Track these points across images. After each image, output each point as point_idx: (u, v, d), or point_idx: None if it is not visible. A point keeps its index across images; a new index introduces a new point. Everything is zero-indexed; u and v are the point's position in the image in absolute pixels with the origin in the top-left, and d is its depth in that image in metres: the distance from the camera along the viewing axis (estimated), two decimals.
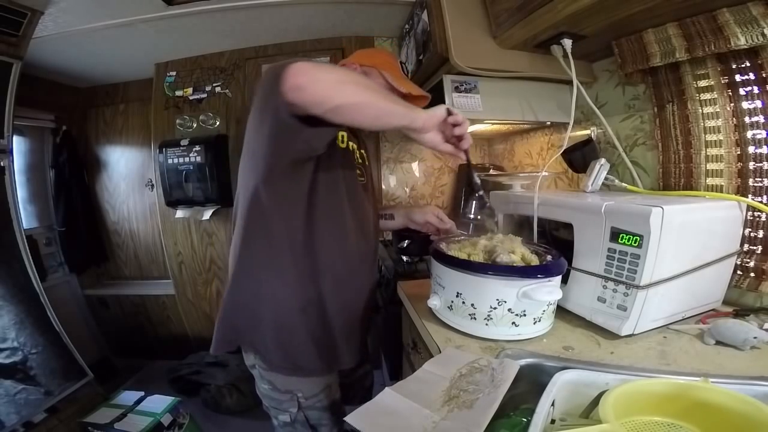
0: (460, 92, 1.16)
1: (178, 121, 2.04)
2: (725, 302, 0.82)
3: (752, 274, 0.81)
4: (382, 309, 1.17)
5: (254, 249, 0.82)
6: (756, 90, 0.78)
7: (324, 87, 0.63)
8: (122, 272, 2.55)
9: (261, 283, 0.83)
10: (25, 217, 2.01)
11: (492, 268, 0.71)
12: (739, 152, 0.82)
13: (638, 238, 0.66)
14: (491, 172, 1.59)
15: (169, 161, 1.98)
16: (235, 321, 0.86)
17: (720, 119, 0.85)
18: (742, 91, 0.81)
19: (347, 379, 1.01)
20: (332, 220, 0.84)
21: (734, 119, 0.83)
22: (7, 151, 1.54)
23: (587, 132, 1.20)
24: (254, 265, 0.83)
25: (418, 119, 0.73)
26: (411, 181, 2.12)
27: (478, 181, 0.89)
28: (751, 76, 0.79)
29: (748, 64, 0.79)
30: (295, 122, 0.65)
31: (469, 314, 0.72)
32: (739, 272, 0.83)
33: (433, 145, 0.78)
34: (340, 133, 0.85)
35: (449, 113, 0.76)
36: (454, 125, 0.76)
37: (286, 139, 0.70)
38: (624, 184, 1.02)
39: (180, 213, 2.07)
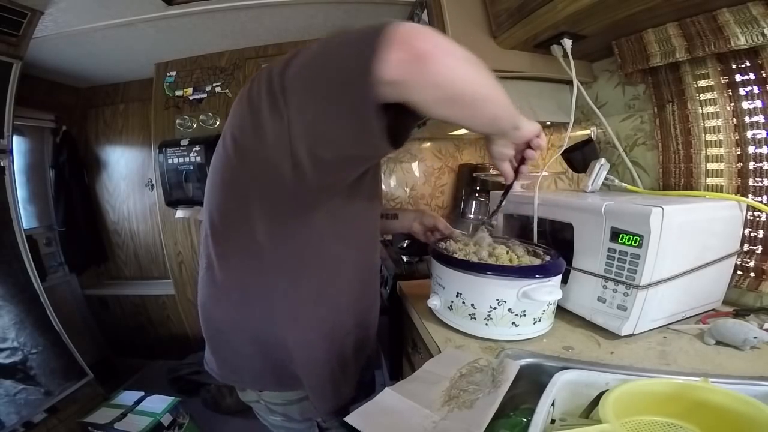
0: None
1: (178, 121, 2.04)
2: (725, 302, 0.82)
3: (752, 274, 0.81)
4: (389, 308, 1.15)
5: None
6: (756, 90, 0.78)
7: (452, 63, 0.45)
8: (122, 272, 2.55)
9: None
10: (25, 217, 2.00)
11: (492, 268, 0.71)
12: (739, 152, 0.82)
13: (638, 238, 0.66)
14: (491, 172, 1.59)
15: (169, 161, 1.98)
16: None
17: (720, 119, 0.85)
18: (742, 91, 0.81)
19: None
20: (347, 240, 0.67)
21: (734, 119, 0.83)
22: (7, 151, 1.54)
23: (587, 132, 1.20)
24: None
25: (523, 128, 0.61)
26: (411, 181, 2.12)
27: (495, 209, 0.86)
28: (751, 76, 0.79)
29: (748, 64, 0.79)
30: (380, 115, 0.44)
31: (469, 314, 0.72)
32: (739, 272, 0.83)
33: (501, 158, 0.66)
34: None
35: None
36: (531, 147, 0.65)
37: (360, 144, 0.49)
38: (624, 184, 1.02)
39: (180, 213, 2.06)
